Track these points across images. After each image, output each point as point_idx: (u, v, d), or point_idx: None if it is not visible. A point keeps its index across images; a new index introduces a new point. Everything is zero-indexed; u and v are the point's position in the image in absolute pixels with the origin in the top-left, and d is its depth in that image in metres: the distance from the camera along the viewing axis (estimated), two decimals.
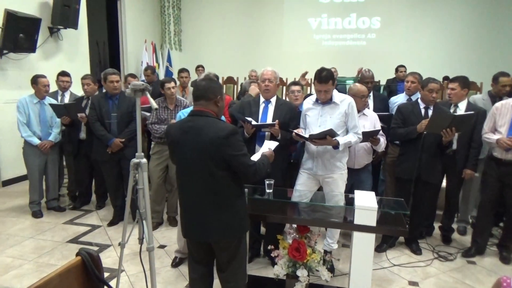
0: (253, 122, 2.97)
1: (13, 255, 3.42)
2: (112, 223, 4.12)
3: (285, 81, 7.93)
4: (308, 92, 7.26)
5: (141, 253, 2.25)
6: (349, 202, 2.74)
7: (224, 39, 9.82)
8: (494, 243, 3.69)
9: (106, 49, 8.88)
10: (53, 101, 4.44)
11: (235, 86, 8.41)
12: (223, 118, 2.30)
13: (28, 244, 3.64)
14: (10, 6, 5.25)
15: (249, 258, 3.07)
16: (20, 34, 5.27)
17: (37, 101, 4.25)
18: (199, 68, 7.62)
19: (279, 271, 2.61)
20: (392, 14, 8.97)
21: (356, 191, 2.62)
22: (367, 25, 9.20)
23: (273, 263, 2.93)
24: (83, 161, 4.54)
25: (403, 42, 8.95)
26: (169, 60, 9.23)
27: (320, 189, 3.16)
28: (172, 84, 3.79)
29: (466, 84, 3.50)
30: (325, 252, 3.16)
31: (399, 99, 4.15)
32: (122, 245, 2.37)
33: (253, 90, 3.99)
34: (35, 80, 4.23)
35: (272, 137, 3.01)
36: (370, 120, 3.40)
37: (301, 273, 2.54)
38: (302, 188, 3.07)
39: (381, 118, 3.51)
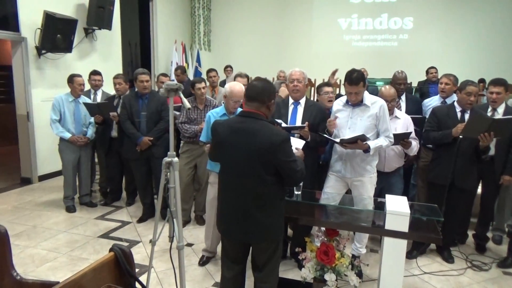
0: (283, 125, 2.95)
1: (48, 248, 3.55)
2: (141, 220, 4.21)
3: (313, 82, 7.86)
4: (338, 93, 7.16)
5: (171, 251, 2.29)
6: (378, 206, 2.69)
7: (253, 39, 9.84)
8: None
9: (138, 49, 9.09)
10: (87, 100, 4.58)
11: None
12: None
13: (62, 238, 3.77)
14: (49, 7, 5.45)
15: None
16: (57, 35, 5.47)
17: (72, 99, 4.40)
18: (228, 69, 7.66)
19: (306, 274, 2.59)
20: (426, 14, 8.72)
21: (387, 196, 2.56)
22: (399, 26, 8.99)
23: (300, 266, 2.91)
24: (114, 158, 4.66)
25: (437, 43, 8.69)
26: (198, 60, 9.34)
27: (348, 192, 3.11)
28: (203, 84, 3.83)
29: (508, 87, 3.36)
30: (353, 256, 3.11)
31: (433, 102, 4.03)
32: (153, 242, 2.41)
33: (283, 91, 3.97)
34: (71, 79, 4.38)
35: (301, 139, 2.99)
36: (403, 123, 3.32)
37: (329, 277, 2.50)
38: (331, 191, 3.03)
39: (414, 121, 3.42)
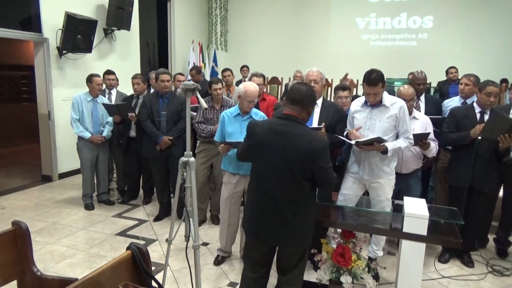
0: None
1: (67, 244, 3.62)
2: (157, 219, 4.26)
3: (330, 82, 7.80)
4: (355, 94, 7.09)
5: (187, 250, 2.30)
6: (396, 208, 2.64)
7: (270, 39, 9.82)
8: None
9: (156, 50, 9.19)
10: (106, 100, 4.66)
11: (279, 86, 8.40)
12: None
13: (80, 235, 3.84)
14: (70, 8, 5.56)
15: None
16: (78, 36, 5.58)
17: (90, 99, 4.48)
18: (244, 68, 7.67)
19: (322, 275, 2.57)
20: (446, 12, 8.54)
21: (405, 198, 2.52)
22: (418, 25, 8.83)
23: (315, 267, 2.89)
24: (132, 157, 4.73)
25: (457, 42, 8.50)
26: (215, 60, 9.39)
27: (366, 193, 3.07)
28: (219, 85, 3.84)
29: None
30: (370, 259, 3.07)
31: (453, 102, 3.95)
32: (169, 241, 2.43)
33: None
34: (90, 79, 4.46)
35: None
36: (421, 124, 3.25)
37: (345, 279, 2.48)
38: (348, 192, 2.99)
39: (433, 122, 3.35)
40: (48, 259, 3.33)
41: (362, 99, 2.98)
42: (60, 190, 5.28)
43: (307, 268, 3.20)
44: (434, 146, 3.20)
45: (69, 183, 5.60)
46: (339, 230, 2.64)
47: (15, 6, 5.34)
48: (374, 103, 2.85)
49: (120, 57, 6.88)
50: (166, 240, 2.44)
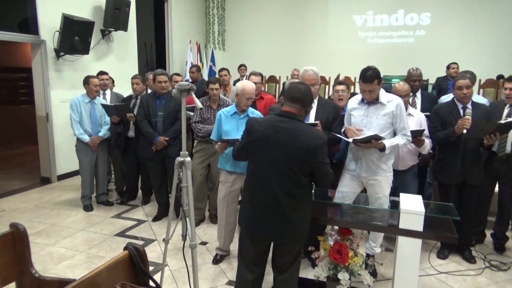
0: None
1: (67, 246, 3.64)
2: (156, 219, 4.27)
3: (328, 80, 7.81)
4: (352, 91, 7.10)
5: (184, 249, 2.31)
6: (393, 205, 2.66)
7: (267, 38, 9.83)
8: None
9: (153, 50, 9.20)
10: (104, 101, 4.68)
11: (277, 85, 8.40)
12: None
13: (79, 236, 3.86)
14: (67, 10, 5.57)
15: None
16: (75, 37, 5.58)
17: (88, 100, 4.48)
18: (242, 67, 7.67)
19: (319, 273, 2.58)
20: (444, 9, 8.54)
21: (401, 194, 2.53)
22: (416, 22, 8.84)
23: (313, 265, 2.90)
24: (130, 158, 4.73)
25: (455, 39, 8.50)
26: (212, 59, 9.40)
27: (364, 191, 3.08)
28: (217, 85, 3.85)
29: None
30: (368, 255, 3.08)
31: (449, 99, 3.95)
32: (166, 241, 2.45)
33: None
34: (87, 80, 4.47)
35: None
36: (416, 120, 3.27)
37: (343, 276, 2.49)
38: (345, 190, 3.01)
39: (428, 118, 3.37)
40: (47, 260, 3.34)
41: (359, 96, 3.00)
42: (59, 192, 5.29)
43: (305, 265, 3.22)
44: (428, 142, 3.22)
45: (67, 185, 5.61)
46: (336, 227, 2.66)
47: (11, 9, 5.34)
48: (371, 101, 2.86)
49: (118, 58, 6.89)
50: (163, 240, 2.45)
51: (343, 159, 3.20)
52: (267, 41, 9.83)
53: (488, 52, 8.26)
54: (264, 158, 2.11)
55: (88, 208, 4.56)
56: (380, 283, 2.99)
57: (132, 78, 4.72)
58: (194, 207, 3.83)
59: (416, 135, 3.11)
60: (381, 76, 2.81)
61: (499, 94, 6.01)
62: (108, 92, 5.02)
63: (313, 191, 2.31)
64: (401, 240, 2.31)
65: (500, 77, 6.91)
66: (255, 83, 3.55)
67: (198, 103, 2.25)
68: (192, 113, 4.09)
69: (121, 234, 3.92)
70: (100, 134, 4.53)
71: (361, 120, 2.91)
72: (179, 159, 2.27)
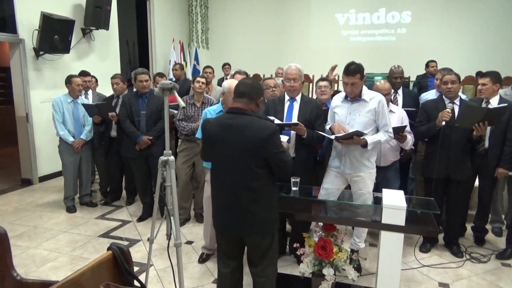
0: (276, 121, 2.96)
1: (49, 248, 3.58)
2: (141, 219, 4.23)
3: (311, 78, 7.86)
4: (336, 89, 7.17)
5: (169, 248, 2.30)
6: (375, 200, 2.70)
7: (251, 36, 9.82)
8: None
9: (136, 49, 9.10)
10: (86, 101, 4.60)
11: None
12: None
13: (62, 238, 3.80)
14: (46, 8, 5.45)
15: None
16: (55, 36, 5.48)
17: (71, 100, 4.41)
18: (226, 66, 7.67)
19: (305, 269, 2.60)
20: (425, 8, 8.68)
21: (384, 190, 2.57)
22: (397, 20, 8.97)
23: (299, 261, 2.92)
24: (114, 158, 4.68)
25: (436, 37, 8.65)
26: (196, 58, 9.34)
27: (348, 187, 3.12)
28: (203, 80, 3.89)
29: (498, 79, 3.38)
30: (352, 251, 3.13)
31: (429, 95, 4.04)
32: (150, 240, 2.43)
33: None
34: (69, 80, 4.39)
35: (298, 137, 2.99)
36: (398, 117, 3.33)
37: (328, 271, 2.52)
38: (330, 186, 3.04)
39: (408, 114, 3.43)
40: (29, 263, 3.28)
41: (342, 94, 3.03)
42: (40, 194, 5.19)
43: (291, 262, 3.25)
44: (410, 138, 3.28)
45: (50, 186, 5.51)
46: (320, 224, 2.68)
47: None
48: (353, 95, 2.89)
49: (100, 57, 6.79)
50: (148, 240, 2.43)
51: (326, 156, 3.23)
52: (251, 40, 9.82)
53: (467, 49, 8.44)
54: (219, 156, 2.15)
55: (71, 209, 4.49)
56: (365, 278, 3.04)
57: (112, 78, 4.66)
58: (179, 206, 3.82)
59: (399, 131, 3.16)
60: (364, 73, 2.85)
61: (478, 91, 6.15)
62: (90, 92, 4.95)
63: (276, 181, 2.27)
64: (384, 234, 2.35)
65: (479, 73, 7.06)
66: None
67: (181, 101, 2.24)
68: (176, 111, 4.07)
69: (105, 235, 3.87)
70: (83, 137, 4.45)
71: (345, 117, 2.94)
72: (162, 158, 2.26)
